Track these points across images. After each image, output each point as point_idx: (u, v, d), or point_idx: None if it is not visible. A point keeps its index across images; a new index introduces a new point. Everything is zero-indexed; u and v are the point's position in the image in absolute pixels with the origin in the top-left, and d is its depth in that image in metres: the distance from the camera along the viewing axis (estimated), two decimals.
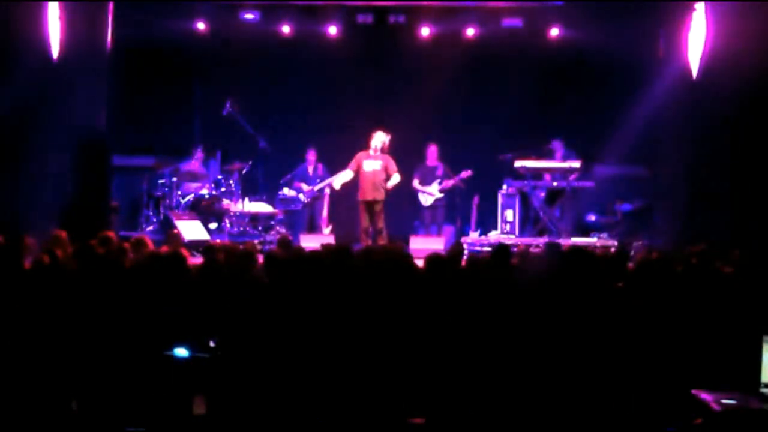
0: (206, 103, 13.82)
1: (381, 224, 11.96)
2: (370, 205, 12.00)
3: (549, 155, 12.74)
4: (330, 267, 6.40)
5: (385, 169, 12.03)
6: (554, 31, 13.24)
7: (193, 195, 12.70)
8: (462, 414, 5.09)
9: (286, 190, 13.22)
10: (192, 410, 5.09)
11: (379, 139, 12.08)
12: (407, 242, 11.66)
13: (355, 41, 13.72)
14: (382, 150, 12.08)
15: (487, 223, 12.95)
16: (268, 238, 12.36)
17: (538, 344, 5.23)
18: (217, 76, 13.72)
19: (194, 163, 13.22)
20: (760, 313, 5.56)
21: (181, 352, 5.14)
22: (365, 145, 12.22)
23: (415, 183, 12.98)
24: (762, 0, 10.59)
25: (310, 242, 11.16)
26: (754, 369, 5.01)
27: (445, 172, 12.94)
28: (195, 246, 10.69)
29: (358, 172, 12.11)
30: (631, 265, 7.27)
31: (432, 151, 13.06)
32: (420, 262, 7.48)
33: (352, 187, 12.47)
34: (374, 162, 12.05)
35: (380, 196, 12.00)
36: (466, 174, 12.78)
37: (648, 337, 5.27)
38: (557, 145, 12.82)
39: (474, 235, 12.53)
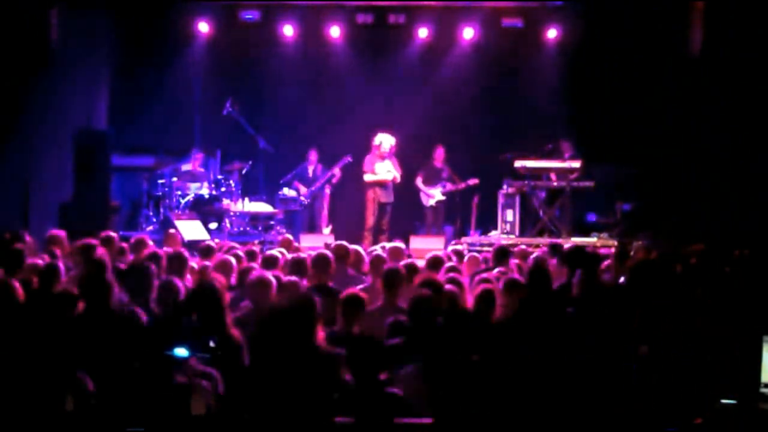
0: (206, 103, 13.81)
1: (387, 224, 12.16)
2: (383, 206, 12.27)
3: (558, 155, 12.71)
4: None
5: (395, 171, 12.21)
6: (554, 31, 13.24)
7: (193, 195, 12.69)
8: (466, 415, 5.09)
9: (286, 190, 13.21)
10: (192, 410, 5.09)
11: (388, 141, 12.20)
12: (407, 242, 11.66)
13: (355, 41, 13.71)
14: (390, 153, 12.20)
15: (487, 223, 12.94)
16: (268, 238, 12.36)
17: (537, 344, 5.23)
18: (217, 76, 13.71)
19: (194, 163, 13.21)
20: (760, 313, 5.57)
21: (181, 352, 5.14)
22: (367, 146, 12.29)
23: (418, 182, 12.97)
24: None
25: (310, 242, 11.18)
26: (754, 369, 5.01)
27: (450, 177, 12.92)
28: (195, 246, 10.67)
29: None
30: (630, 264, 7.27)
31: (439, 153, 13.04)
32: (421, 262, 7.49)
33: (352, 186, 12.49)
34: (386, 165, 12.19)
35: (392, 197, 12.24)
36: (472, 182, 12.78)
37: (648, 337, 5.27)
38: (566, 146, 12.81)
39: (474, 235, 12.53)
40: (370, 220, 12.14)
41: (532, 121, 13.40)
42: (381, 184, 12.21)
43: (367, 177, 12.26)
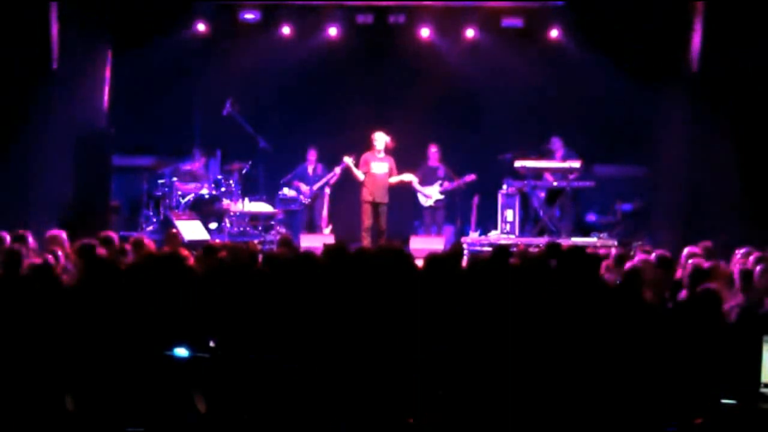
0: (206, 103, 13.81)
1: (384, 225, 12.11)
2: (376, 206, 12.14)
3: (549, 154, 12.74)
4: (328, 266, 6.40)
5: (391, 171, 12.17)
6: (554, 32, 13.24)
7: (193, 195, 12.70)
8: (463, 414, 5.09)
9: (286, 190, 13.22)
10: (193, 410, 5.09)
11: (383, 140, 12.18)
12: (407, 242, 11.67)
13: (355, 41, 13.71)
14: (385, 151, 12.18)
15: (487, 223, 12.94)
16: (268, 238, 12.37)
17: (538, 343, 5.23)
18: (217, 76, 13.71)
19: (194, 163, 13.22)
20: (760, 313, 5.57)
21: (181, 352, 5.14)
22: (366, 146, 12.28)
23: (415, 183, 12.98)
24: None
25: (310, 242, 11.21)
26: (754, 369, 5.01)
27: (447, 174, 12.92)
28: (195, 246, 10.68)
29: (366, 173, 12.17)
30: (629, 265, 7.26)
31: (433, 152, 13.06)
32: (420, 262, 7.49)
33: (352, 187, 12.48)
34: (381, 164, 12.19)
35: (387, 198, 12.16)
36: (469, 178, 12.77)
37: (648, 337, 5.27)
38: (557, 144, 12.81)
39: (474, 235, 12.53)
40: (367, 221, 12.12)
41: (531, 121, 13.40)
42: (376, 184, 12.15)
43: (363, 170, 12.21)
